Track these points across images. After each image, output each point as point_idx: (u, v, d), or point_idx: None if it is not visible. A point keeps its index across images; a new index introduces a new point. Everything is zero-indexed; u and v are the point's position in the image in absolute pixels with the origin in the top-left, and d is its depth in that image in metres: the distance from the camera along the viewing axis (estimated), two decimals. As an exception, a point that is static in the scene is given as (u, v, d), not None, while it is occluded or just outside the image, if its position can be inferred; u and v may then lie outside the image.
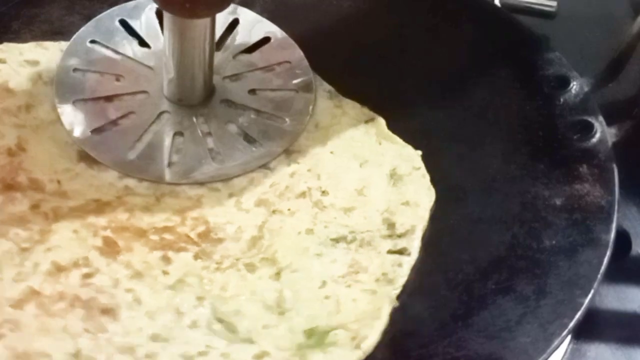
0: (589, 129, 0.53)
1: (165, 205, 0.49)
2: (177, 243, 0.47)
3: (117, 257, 0.46)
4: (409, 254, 0.47)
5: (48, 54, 0.54)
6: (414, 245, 0.47)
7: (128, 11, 0.56)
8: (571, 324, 0.44)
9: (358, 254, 0.47)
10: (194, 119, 0.52)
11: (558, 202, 0.50)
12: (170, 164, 0.50)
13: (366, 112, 0.54)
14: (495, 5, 0.64)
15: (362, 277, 0.46)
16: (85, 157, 0.50)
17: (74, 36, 0.55)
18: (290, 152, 0.52)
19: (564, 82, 0.56)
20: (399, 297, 0.45)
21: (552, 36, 0.61)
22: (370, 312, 0.44)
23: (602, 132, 0.53)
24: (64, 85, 0.52)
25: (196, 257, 0.47)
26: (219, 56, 0.54)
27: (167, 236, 0.47)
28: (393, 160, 0.51)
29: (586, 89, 0.56)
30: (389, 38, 0.59)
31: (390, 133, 0.53)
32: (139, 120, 0.52)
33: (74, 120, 0.51)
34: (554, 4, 0.67)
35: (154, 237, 0.47)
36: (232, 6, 0.56)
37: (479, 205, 0.50)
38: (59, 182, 0.49)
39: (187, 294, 0.45)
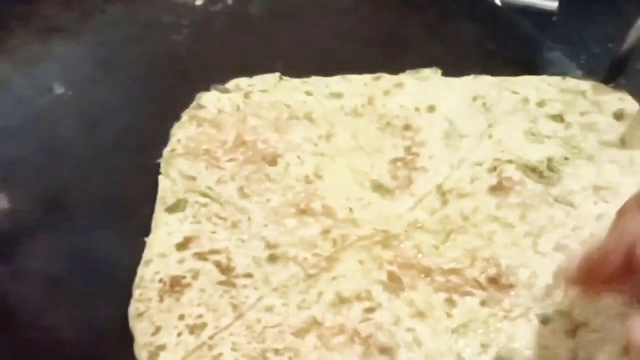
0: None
1: (454, 243, 0.47)
2: (463, 287, 0.45)
3: (400, 294, 0.45)
4: None
5: (352, 86, 0.54)
6: None
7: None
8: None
9: None
10: None
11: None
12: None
13: None
14: (496, 5, 0.64)
15: None
16: (379, 188, 0.50)
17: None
18: (599, 188, 0.49)
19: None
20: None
21: (552, 36, 0.61)
22: None
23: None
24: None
25: (483, 303, 0.45)
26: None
27: (454, 279, 0.46)
28: None
29: (588, 90, 0.55)
30: (388, 36, 0.59)
31: None
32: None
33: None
34: (554, 4, 0.66)
35: (440, 279, 0.46)
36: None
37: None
38: (350, 209, 0.49)
39: (472, 340, 0.43)
